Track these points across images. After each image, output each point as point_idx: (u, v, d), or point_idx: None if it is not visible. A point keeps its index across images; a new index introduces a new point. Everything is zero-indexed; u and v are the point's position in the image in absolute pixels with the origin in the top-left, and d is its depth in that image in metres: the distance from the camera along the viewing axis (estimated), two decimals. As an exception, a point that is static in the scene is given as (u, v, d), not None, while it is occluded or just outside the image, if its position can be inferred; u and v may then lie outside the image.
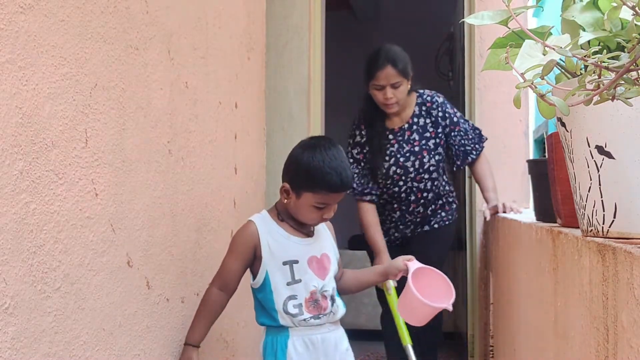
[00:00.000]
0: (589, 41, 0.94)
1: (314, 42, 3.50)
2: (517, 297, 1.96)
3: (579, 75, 0.87)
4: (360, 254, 4.48)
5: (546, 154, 1.49)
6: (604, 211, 0.98)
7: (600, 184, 0.98)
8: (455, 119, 2.92)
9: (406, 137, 2.89)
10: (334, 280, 1.88)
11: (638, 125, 0.92)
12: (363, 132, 2.93)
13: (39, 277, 1.12)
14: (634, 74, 0.79)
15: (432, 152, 2.88)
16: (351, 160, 2.92)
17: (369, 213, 2.90)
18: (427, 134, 2.90)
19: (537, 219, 1.73)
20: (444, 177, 3.01)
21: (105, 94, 1.35)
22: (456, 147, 2.94)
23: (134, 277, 1.48)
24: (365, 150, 2.92)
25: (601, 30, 0.93)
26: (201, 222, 1.93)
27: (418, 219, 2.95)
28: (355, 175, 2.90)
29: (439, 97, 2.94)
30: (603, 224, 0.99)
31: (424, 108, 2.93)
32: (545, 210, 1.62)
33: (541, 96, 0.83)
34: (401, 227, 2.98)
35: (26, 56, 1.08)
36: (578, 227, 1.12)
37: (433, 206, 2.96)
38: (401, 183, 2.88)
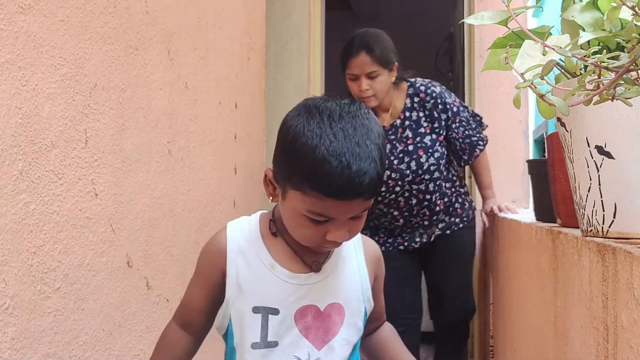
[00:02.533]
0: (588, 41, 0.94)
1: (313, 42, 3.50)
2: (517, 297, 1.96)
3: (578, 75, 0.87)
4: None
5: (546, 154, 1.49)
6: (603, 211, 0.98)
7: (600, 184, 0.98)
8: (455, 109, 2.56)
9: (399, 135, 2.53)
10: (347, 355, 1.12)
11: (638, 125, 0.92)
12: None
13: (38, 277, 1.12)
14: (633, 74, 0.79)
15: (430, 150, 2.52)
16: None
17: None
18: (422, 130, 2.54)
19: (537, 219, 1.73)
20: (452, 172, 2.66)
21: (105, 94, 1.35)
22: (461, 139, 2.58)
23: (134, 277, 1.48)
24: None
25: (601, 31, 0.93)
26: (201, 222, 1.93)
27: (426, 222, 2.62)
28: None
29: (434, 86, 2.55)
30: (603, 224, 0.99)
31: (416, 100, 2.55)
32: (545, 210, 1.62)
33: (541, 96, 0.83)
34: (408, 231, 2.65)
35: (26, 56, 1.08)
36: (578, 227, 1.12)
37: (441, 206, 2.62)
38: (398, 189, 2.53)
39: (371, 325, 1.24)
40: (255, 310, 1.07)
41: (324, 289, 1.10)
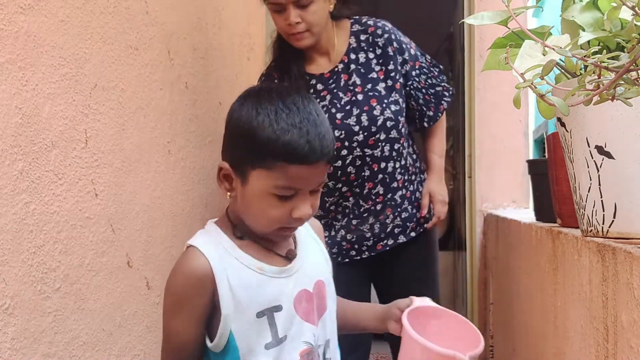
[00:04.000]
0: (588, 41, 0.94)
1: (313, 42, 3.49)
2: (517, 297, 1.96)
3: (578, 75, 0.87)
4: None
5: (546, 154, 1.48)
6: (603, 211, 0.98)
7: (600, 184, 0.98)
8: (413, 52, 2.01)
9: (342, 82, 1.93)
10: (335, 322, 1.21)
11: (638, 125, 0.92)
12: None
13: (38, 277, 1.12)
14: (633, 74, 0.79)
15: (385, 101, 1.92)
16: None
17: None
18: (373, 75, 1.95)
19: (537, 219, 1.73)
20: (407, 138, 2.03)
21: (105, 94, 1.35)
22: (424, 90, 2.02)
23: (134, 277, 1.48)
24: None
25: (601, 31, 0.93)
26: (201, 222, 1.93)
27: (378, 207, 1.96)
28: None
29: (385, 23, 2.03)
30: (603, 224, 0.99)
31: (363, 37, 1.98)
32: (545, 210, 1.62)
33: (541, 96, 0.83)
34: (355, 222, 1.97)
35: (26, 56, 1.08)
36: (578, 227, 1.12)
37: (400, 183, 1.99)
38: (345, 152, 1.90)
39: None
40: (260, 314, 1.09)
41: (306, 271, 1.16)
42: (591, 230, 1.02)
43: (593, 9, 0.97)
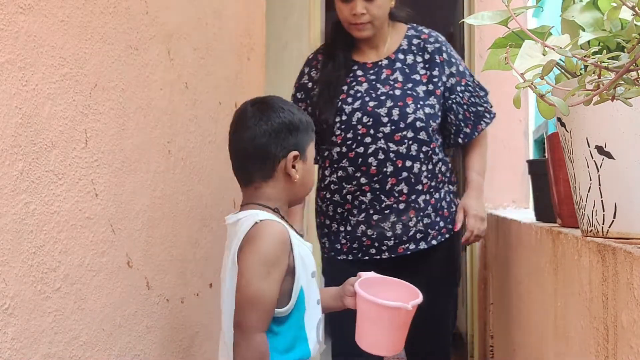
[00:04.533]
0: (588, 41, 0.94)
1: (313, 43, 3.49)
2: (517, 297, 1.96)
3: (578, 76, 0.87)
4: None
5: (546, 154, 1.48)
6: (603, 211, 0.98)
7: (600, 184, 0.98)
8: (462, 68, 2.08)
9: (383, 75, 2.00)
10: None
11: (638, 125, 0.92)
12: (317, 66, 2.08)
13: (38, 277, 1.12)
14: (633, 74, 0.79)
15: (421, 102, 1.96)
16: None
17: None
18: (416, 77, 2.00)
19: (537, 219, 1.73)
20: (441, 147, 2.04)
21: (105, 94, 1.35)
22: (465, 106, 2.05)
23: (134, 277, 1.48)
24: (312, 94, 2.05)
25: (601, 31, 0.93)
26: (201, 222, 1.93)
27: (401, 206, 1.95)
28: None
29: (439, 35, 2.10)
30: (603, 224, 0.99)
31: (415, 42, 2.05)
32: (545, 210, 1.62)
33: (541, 96, 0.83)
34: (376, 218, 1.96)
35: (26, 56, 1.08)
36: (578, 227, 1.12)
37: (425, 187, 1.97)
38: (368, 139, 1.93)
39: None
40: (313, 274, 1.38)
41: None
42: (591, 230, 1.02)
43: (593, 9, 0.97)
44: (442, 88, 2.01)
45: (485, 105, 2.09)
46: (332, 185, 2.02)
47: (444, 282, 2.09)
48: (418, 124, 1.94)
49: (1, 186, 1.02)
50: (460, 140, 2.07)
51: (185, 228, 1.80)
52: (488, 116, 2.09)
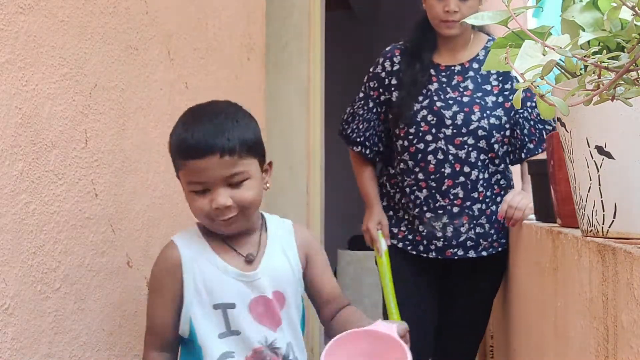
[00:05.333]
0: (588, 41, 0.94)
1: (313, 43, 3.50)
2: (517, 297, 1.96)
3: (578, 76, 0.87)
4: (360, 254, 4.48)
5: (546, 154, 1.48)
6: (603, 211, 0.98)
7: (600, 184, 0.97)
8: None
9: (454, 81, 2.04)
10: (297, 329, 1.32)
11: (638, 125, 0.92)
12: (395, 60, 2.10)
13: (38, 277, 1.12)
14: (633, 74, 0.79)
15: (488, 112, 1.98)
16: (360, 96, 2.16)
17: (364, 167, 2.17)
18: (488, 87, 2.03)
19: (537, 219, 1.72)
20: (503, 159, 2.06)
21: (105, 94, 1.35)
22: (533, 122, 2.03)
23: (134, 277, 1.48)
24: (386, 84, 2.10)
25: (601, 31, 0.93)
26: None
27: (455, 209, 2.00)
28: (354, 116, 2.14)
29: None
30: (603, 224, 0.99)
31: None
32: (545, 210, 1.62)
33: (541, 96, 0.83)
34: (429, 216, 2.01)
35: (26, 56, 1.08)
36: (578, 227, 1.12)
37: (481, 196, 2.00)
38: (429, 138, 1.99)
39: (329, 307, 1.37)
40: (216, 307, 1.25)
41: (268, 280, 1.28)
42: (591, 230, 1.02)
43: (593, 9, 0.97)
44: (510, 98, 1.99)
45: (550, 127, 2.03)
46: (397, 176, 2.12)
47: (486, 295, 2.18)
48: (480, 132, 1.98)
49: (1, 186, 1.02)
50: (523, 155, 2.06)
51: (185, 228, 1.80)
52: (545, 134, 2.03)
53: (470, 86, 2.02)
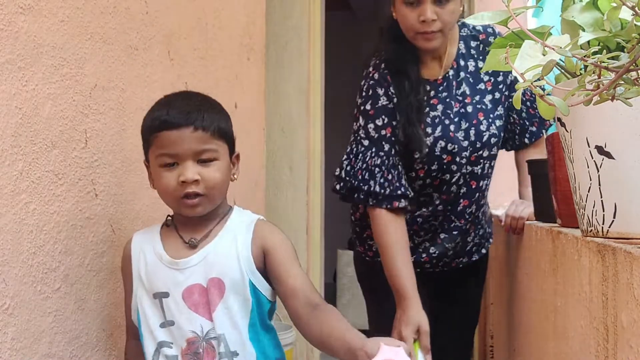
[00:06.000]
0: (588, 41, 0.94)
1: (313, 43, 3.50)
2: (517, 297, 1.96)
3: (578, 76, 0.87)
4: (360, 254, 4.48)
5: (546, 154, 1.48)
6: (603, 211, 0.98)
7: (600, 184, 0.98)
8: None
9: (453, 91, 1.78)
10: (236, 320, 1.24)
11: (638, 125, 0.92)
12: (390, 89, 1.74)
13: (38, 277, 1.12)
14: (633, 74, 0.79)
15: (491, 115, 1.79)
16: (365, 145, 1.75)
17: (395, 228, 1.71)
18: (481, 85, 1.81)
19: (537, 219, 1.72)
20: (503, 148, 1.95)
21: (105, 95, 1.35)
22: (529, 103, 1.86)
23: (134, 277, 1.48)
24: (397, 120, 1.73)
25: (601, 31, 0.92)
26: (201, 222, 1.93)
27: (466, 227, 1.87)
28: (373, 171, 1.71)
29: (494, 28, 1.82)
30: (603, 224, 0.99)
31: (473, 44, 1.81)
32: (545, 210, 1.62)
33: (541, 96, 0.83)
34: (442, 237, 1.86)
35: (26, 56, 1.08)
36: (578, 227, 1.12)
37: (484, 201, 1.93)
38: (454, 167, 1.77)
39: (294, 301, 1.25)
40: (155, 296, 1.25)
41: (204, 267, 1.24)
42: (591, 230, 1.02)
43: (593, 9, 0.97)
44: (506, 92, 1.81)
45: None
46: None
47: (480, 289, 2.11)
48: (492, 140, 1.81)
49: (1, 186, 1.02)
50: (526, 141, 1.89)
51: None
52: (548, 122, 1.88)
53: (468, 91, 1.80)
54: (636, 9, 0.76)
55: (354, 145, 1.78)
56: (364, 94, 1.78)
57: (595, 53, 0.86)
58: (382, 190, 1.71)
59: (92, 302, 1.31)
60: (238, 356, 1.23)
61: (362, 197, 1.74)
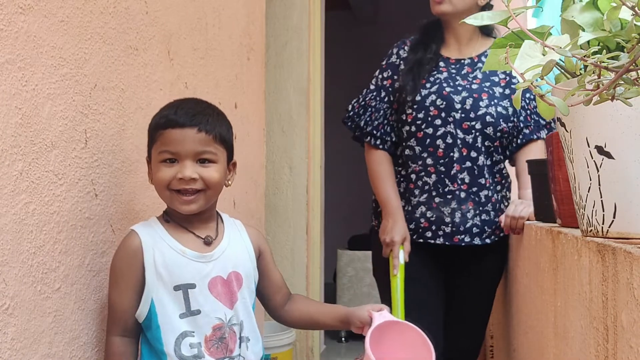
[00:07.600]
0: (588, 41, 0.94)
1: (313, 43, 3.50)
2: (517, 297, 1.96)
3: (578, 76, 0.87)
4: (360, 254, 4.48)
5: (546, 154, 1.48)
6: (603, 211, 0.98)
7: (600, 184, 0.98)
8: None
9: (464, 71, 2.07)
10: (249, 309, 1.39)
11: (638, 125, 0.92)
12: (405, 49, 2.14)
13: (38, 277, 1.12)
14: (633, 74, 0.79)
15: (496, 101, 2.02)
16: (370, 89, 2.16)
17: (381, 161, 2.09)
18: (496, 79, 2.07)
19: (537, 219, 1.73)
20: (504, 151, 2.08)
21: (105, 95, 1.35)
22: (529, 111, 2.08)
23: (134, 277, 1.48)
24: (398, 71, 2.12)
25: (601, 31, 0.93)
26: (201, 223, 1.93)
27: (462, 194, 2.00)
28: (366, 108, 2.13)
29: None
30: (603, 224, 0.99)
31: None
32: (545, 210, 1.62)
33: (541, 96, 0.83)
34: (437, 201, 2.02)
35: (26, 56, 1.08)
36: (578, 227, 1.12)
37: (487, 182, 2.02)
38: (438, 122, 2.01)
39: (279, 295, 1.50)
40: (177, 288, 1.30)
41: (224, 262, 1.36)
42: (591, 230, 1.02)
43: (593, 9, 0.97)
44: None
45: (545, 121, 2.07)
46: (400, 164, 2.11)
47: (491, 283, 2.17)
48: (488, 118, 2.00)
49: (1, 186, 1.02)
50: (519, 141, 2.07)
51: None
52: (546, 131, 2.08)
53: (479, 76, 2.05)
54: (636, 9, 0.76)
55: (365, 89, 2.17)
56: (389, 52, 2.17)
57: (595, 53, 0.86)
58: (365, 127, 2.09)
59: (92, 302, 1.31)
60: (250, 341, 1.37)
61: (353, 126, 2.15)
